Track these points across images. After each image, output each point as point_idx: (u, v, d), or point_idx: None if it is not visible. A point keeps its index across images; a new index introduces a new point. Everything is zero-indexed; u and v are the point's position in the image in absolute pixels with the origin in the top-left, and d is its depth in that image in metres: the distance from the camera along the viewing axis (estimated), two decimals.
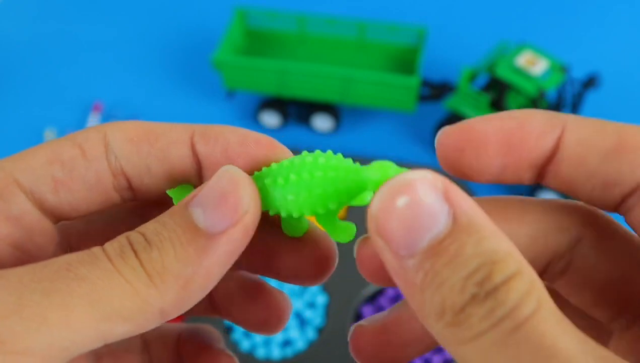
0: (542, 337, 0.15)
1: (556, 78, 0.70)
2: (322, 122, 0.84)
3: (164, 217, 0.19)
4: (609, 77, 0.78)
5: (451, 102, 0.76)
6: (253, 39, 0.88)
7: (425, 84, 0.82)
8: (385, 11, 0.99)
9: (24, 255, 0.20)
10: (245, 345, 0.62)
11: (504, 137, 0.19)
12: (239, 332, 0.64)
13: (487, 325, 0.15)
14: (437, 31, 0.91)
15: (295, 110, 0.87)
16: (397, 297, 0.66)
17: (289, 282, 0.24)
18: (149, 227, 0.19)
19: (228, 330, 0.64)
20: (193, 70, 0.94)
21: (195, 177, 0.22)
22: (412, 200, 0.16)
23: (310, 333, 0.63)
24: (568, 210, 0.21)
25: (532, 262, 0.19)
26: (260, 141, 0.21)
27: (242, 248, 0.19)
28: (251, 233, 0.19)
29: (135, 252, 0.18)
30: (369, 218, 0.17)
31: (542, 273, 0.21)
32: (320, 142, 0.84)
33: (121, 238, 0.18)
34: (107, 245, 0.18)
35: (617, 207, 0.19)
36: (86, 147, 0.20)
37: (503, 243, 0.16)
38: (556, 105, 0.74)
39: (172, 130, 0.21)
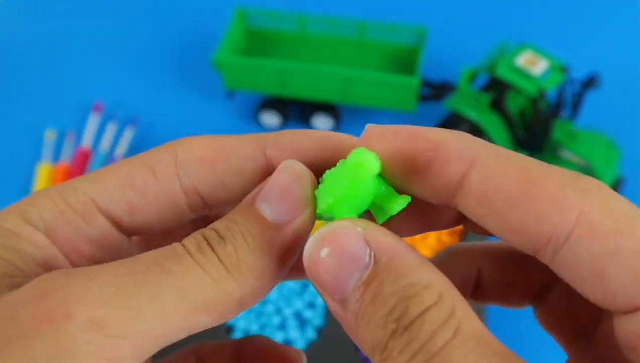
0: None
1: (556, 78, 0.70)
2: (322, 122, 0.84)
3: (233, 214, 0.20)
4: (608, 77, 0.79)
5: (451, 102, 0.76)
6: (253, 39, 0.88)
7: (425, 84, 0.82)
8: (385, 11, 1.00)
9: None
10: None
11: (410, 156, 0.19)
12: (239, 332, 0.64)
13: (405, 359, 0.16)
14: (437, 31, 0.91)
15: (295, 110, 0.87)
16: None
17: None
18: (220, 224, 0.20)
19: (228, 330, 0.64)
20: (193, 70, 0.94)
21: None
22: (333, 250, 0.18)
23: (310, 333, 0.63)
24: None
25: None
26: (329, 138, 0.21)
27: (308, 236, 0.20)
28: (314, 221, 0.20)
29: (211, 246, 0.19)
30: (304, 265, 0.19)
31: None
32: None
33: (197, 235, 0.19)
34: (185, 241, 0.19)
35: (537, 255, 0.18)
36: (158, 169, 0.21)
37: (424, 275, 0.17)
38: (556, 105, 0.74)
39: (244, 145, 0.21)
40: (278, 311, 0.65)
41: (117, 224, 0.21)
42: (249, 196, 0.20)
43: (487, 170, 0.18)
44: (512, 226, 0.18)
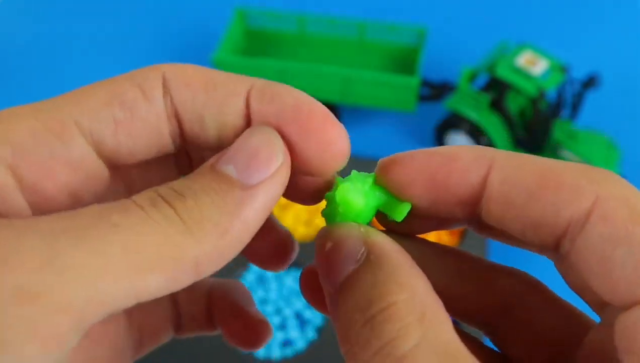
0: None
1: (556, 78, 0.70)
2: None
3: (192, 175, 0.18)
4: (608, 77, 0.79)
5: (451, 102, 0.76)
6: (253, 39, 0.88)
7: (426, 84, 0.82)
8: (385, 11, 0.99)
9: (78, 204, 0.19)
10: None
11: (429, 174, 0.19)
12: None
13: (366, 357, 0.17)
14: (437, 31, 0.91)
15: None
16: None
17: (256, 265, 0.25)
18: (179, 183, 0.18)
19: None
20: None
21: None
22: (335, 245, 0.19)
23: (310, 333, 0.63)
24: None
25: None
26: (313, 113, 0.20)
27: (277, 200, 0.19)
28: (285, 185, 0.19)
29: (167, 202, 0.17)
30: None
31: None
32: None
33: (149, 192, 0.18)
34: (136, 197, 0.17)
35: (556, 250, 0.19)
36: (146, 88, 0.19)
37: (403, 273, 0.18)
38: (556, 105, 0.74)
39: (230, 81, 0.20)
40: (278, 311, 0.65)
41: (98, 147, 0.19)
42: (209, 161, 0.19)
43: (505, 170, 0.18)
44: (533, 220, 0.18)
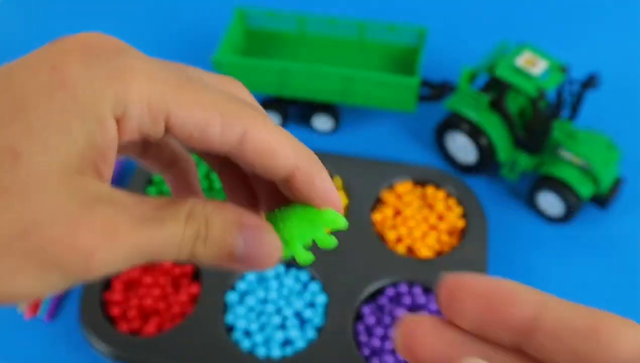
0: None
1: (556, 78, 0.70)
2: (322, 122, 0.84)
3: (220, 207, 0.24)
4: (608, 77, 0.79)
5: (451, 102, 0.76)
6: (253, 39, 0.88)
7: (425, 84, 0.82)
8: (385, 11, 1.00)
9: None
10: (245, 344, 0.63)
11: (487, 294, 0.21)
12: (239, 331, 0.64)
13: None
14: (437, 31, 0.91)
15: (296, 111, 0.87)
16: (397, 297, 0.66)
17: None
18: (205, 202, 0.24)
19: (228, 330, 0.64)
20: None
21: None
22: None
23: (310, 333, 0.63)
24: None
25: None
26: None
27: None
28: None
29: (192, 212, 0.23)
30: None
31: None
32: (321, 142, 0.84)
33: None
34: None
35: None
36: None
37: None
38: (556, 105, 0.74)
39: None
40: (278, 311, 0.65)
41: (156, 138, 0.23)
42: (237, 214, 0.24)
43: (557, 310, 0.20)
44: (581, 358, 0.20)
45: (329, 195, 0.25)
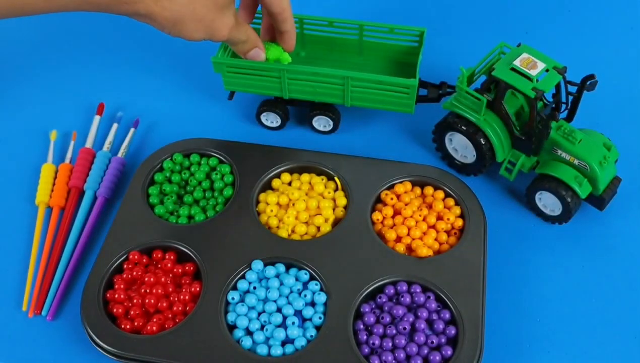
0: None
1: (553, 79, 0.70)
2: (322, 123, 0.84)
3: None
4: (606, 78, 0.79)
5: (450, 103, 0.76)
6: None
7: (424, 85, 0.82)
8: (385, 13, 1.00)
9: None
10: (246, 343, 0.63)
11: None
12: (240, 330, 0.64)
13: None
14: (436, 33, 0.91)
15: (295, 111, 0.87)
16: (396, 296, 0.66)
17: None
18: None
19: (230, 329, 0.65)
20: (194, 71, 0.94)
21: None
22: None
23: (311, 332, 0.64)
24: None
25: None
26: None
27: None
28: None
29: None
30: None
31: None
32: (320, 142, 0.84)
33: None
34: None
35: None
36: None
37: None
38: (554, 107, 0.74)
39: None
40: (279, 310, 0.66)
41: None
42: (258, 41, 0.75)
43: None
44: None
45: (290, 42, 0.76)
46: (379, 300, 0.66)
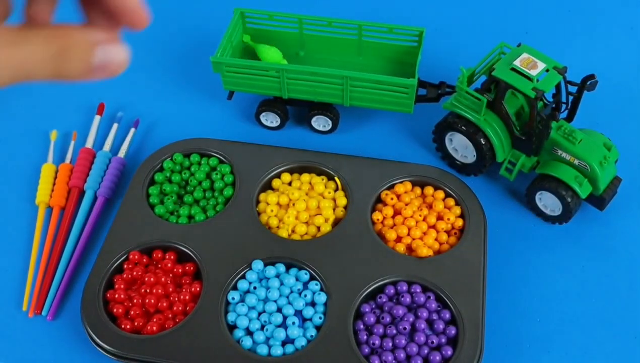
0: None
1: (554, 80, 0.70)
2: (321, 123, 0.84)
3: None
4: (606, 78, 0.79)
5: (449, 104, 0.76)
6: (253, 39, 0.88)
7: (424, 85, 0.82)
8: (384, 12, 1.00)
9: None
10: (246, 343, 0.63)
11: None
12: (241, 330, 0.64)
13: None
14: (436, 32, 0.91)
15: (295, 111, 0.87)
16: (396, 296, 0.67)
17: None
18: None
19: (230, 329, 0.65)
20: (194, 71, 0.94)
21: None
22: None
23: (311, 332, 0.64)
24: None
25: None
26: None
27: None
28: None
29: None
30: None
31: None
32: (320, 142, 0.84)
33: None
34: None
35: None
36: None
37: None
38: (554, 107, 0.74)
39: None
40: (279, 310, 0.66)
41: None
42: (95, 33, 0.30)
43: None
44: None
45: (134, 15, 0.33)
46: (379, 300, 0.66)
